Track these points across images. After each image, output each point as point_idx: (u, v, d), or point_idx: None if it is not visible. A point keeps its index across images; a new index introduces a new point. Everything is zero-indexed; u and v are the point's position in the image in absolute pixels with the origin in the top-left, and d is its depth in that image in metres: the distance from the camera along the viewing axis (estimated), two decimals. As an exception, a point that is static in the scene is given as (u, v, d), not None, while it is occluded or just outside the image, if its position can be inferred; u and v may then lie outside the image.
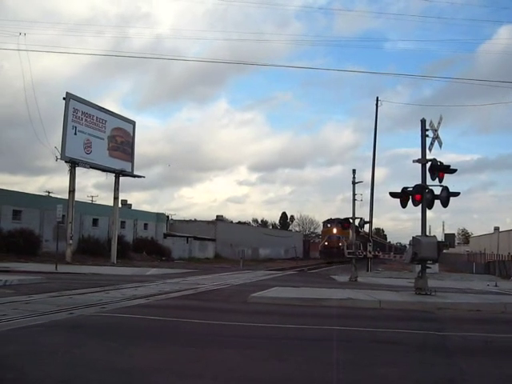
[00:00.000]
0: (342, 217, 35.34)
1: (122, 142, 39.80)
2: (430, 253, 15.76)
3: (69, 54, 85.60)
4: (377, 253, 35.02)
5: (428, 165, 15.99)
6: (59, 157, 32.86)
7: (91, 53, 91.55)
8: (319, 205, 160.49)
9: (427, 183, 16.05)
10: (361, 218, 26.50)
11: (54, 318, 9.73)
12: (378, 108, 36.51)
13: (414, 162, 16.38)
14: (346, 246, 43.39)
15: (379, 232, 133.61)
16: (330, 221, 66.13)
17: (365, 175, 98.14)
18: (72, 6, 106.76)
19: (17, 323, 8.90)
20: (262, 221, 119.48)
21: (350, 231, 40.79)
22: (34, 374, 5.89)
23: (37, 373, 5.91)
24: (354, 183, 26.04)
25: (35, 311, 10.35)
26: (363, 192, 28.52)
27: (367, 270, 33.06)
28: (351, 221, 25.85)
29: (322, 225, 76.39)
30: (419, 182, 16.15)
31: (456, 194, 16.14)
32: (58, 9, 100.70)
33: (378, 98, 36.52)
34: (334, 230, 61.21)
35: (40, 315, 9.89)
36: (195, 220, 68.05)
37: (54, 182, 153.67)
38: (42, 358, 6.58)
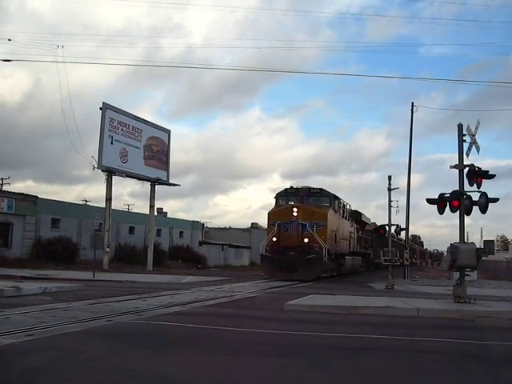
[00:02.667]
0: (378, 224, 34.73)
1: (157, 150, 40.18)
2: (468, 260, 15.46)
3: (104, 65, 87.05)
4: (414, 260, 34.63)
5: (466, 170, 15.72)
6: (96, 166, 33.34)
7: (126, 63, 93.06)
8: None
9: (464, 189, 15.78)
10: (397, 225, 26.17)
11: (91, 325, 9.85)
12: (413, 114, 35.99)
13: (451, 167, 16.12)
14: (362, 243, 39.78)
15: (415, 239, 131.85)
16: (287, 192, 30.98)
17: (399, 181, 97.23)
18: (107, 18, 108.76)
19: (55, 330, 9.03)
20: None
21: (349, 222, 36.14)
22: (73, 380, 5.96)
23: (75, 379, 5.98)
24: (389, 190, 25.75)
25: (73, 318, 10.49)
26: (398, 198, 28.16)
27: (404, 278, 32.55)
28: (387, 228, 25.54)
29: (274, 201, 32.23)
30: (456, 187, 15.88)
31: (495, 200, 15.83)
32: (94, 22, 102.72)
33: (413, 103, 35.99)
34: (295, 212, 28.43)
35: (78, 322, 10.03)
36: (230, 228, 68.20)
37: (90, 191, 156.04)
38: (80, 364, 6.66)
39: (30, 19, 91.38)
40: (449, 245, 16.29)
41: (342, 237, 33.20)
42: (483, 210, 15.56)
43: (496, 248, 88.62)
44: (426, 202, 16.65)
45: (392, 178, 25.85)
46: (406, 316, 13.07)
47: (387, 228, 25.62)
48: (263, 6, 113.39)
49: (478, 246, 16.37)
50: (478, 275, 32.59)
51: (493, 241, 25.62)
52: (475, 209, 15.67)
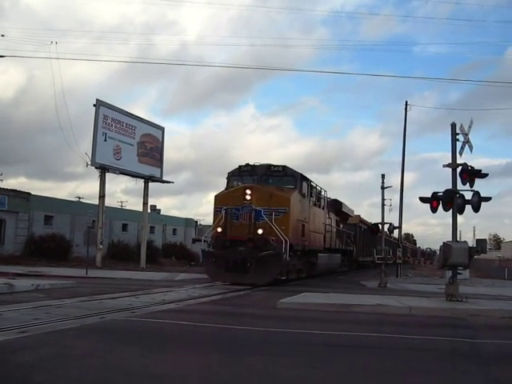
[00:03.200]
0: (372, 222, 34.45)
1: (151, 147, 40.07)
2: (461, 258, 15.53)
3: (98, 61, 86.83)
4: (407, 258, 34.57)
5: (459, 169, 15.77)
6: (89, 163, 33.21)
7: (120, 60, 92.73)
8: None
9: (457, 188, 15.84)
10: (390, 224, 26.22)
11: (85, 322, 9.84)
12: (407, 112, 36.06)
13: (444, 166, 16.17)
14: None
15: (409, 237, 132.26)
16: (241, 170, 24.15)
17: (392, 180, 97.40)
18: (101, 14, 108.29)
19: (49, 327, 9.02)
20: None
21: (325, 212, 28.94)
22: (66, 377, 5.96)
23: (68, 376, 5.98)
24: (382, 188, 25.80)
25: (67, 315, 10.48)
26: (392, 197, 28.20)
27: (397, 276, 32.65)
28: (380, 226, 25.60)
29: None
30: (449, 186, 15.94)
31: (487, 199, 15.89)
32: (88, 18, 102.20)
33: (406, 102, 36.04)
34: (248, 194, 21.76)
35: (72, 319, 10.02)
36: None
37: (83, 188, 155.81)
38: (73, 361, 6.66)
39: (24, 15, 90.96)
40: (441, 243, 16.35)
41: (314, 229, 26.22)
42: (476, 209, 15.62)
43: (488, 247, 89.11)
44: (419, 200, 16.71)
45: (385, 176, 25.87)
46: (398, 314, 13.11)
47: (380, 226, 25.67)
48: (257, 3, 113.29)
49: (470, 245, 16.44)
50: (471, 274, 32.76)
51: (485, 239, 25.77)
52: (468, 208, 15.73)
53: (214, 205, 22.83)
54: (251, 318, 11.73)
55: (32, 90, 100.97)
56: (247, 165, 23.76)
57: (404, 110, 36.08)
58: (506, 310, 14.01)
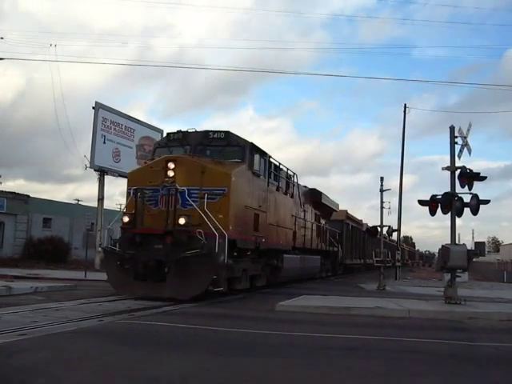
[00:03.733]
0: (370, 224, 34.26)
1: (150, 150, 40.06)
2: (459, 261, 15.54)
3: (97, 64, 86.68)
4: (406, 261, 34.43)
5: (457, 172, 15.80)
6: (88, 165, 33.23)
7: (118, 63, 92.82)
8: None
9: (456, 191, 15.86)
10: (389, 226, 26.24)
11: (83, 324, 9.83)
12: (406, 115, 36.13)
13: (443, 169, 16.20)
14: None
15: (407, 240, 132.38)
16: (170, 138, 17.71)
17: (391, 183, 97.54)
18: (101, 18, 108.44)
19: (47, 330, 9.01)
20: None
21: (295, 201, 23.16)
22: (64, 380, 5.96)
23: (67, 379, 5.98)
24: (381, 191, 25.83)
25: (65, 318, 10.47)
26: (390, 199, 28.16)
27: (395, 279, 32.66)
28: (379, 229, 25.61)
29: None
30: (447, 189, 15.96)
31: (486, 202, 15.92)
32: (88, 21, 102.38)
33: (405, 105, 36.18)
34: (170, 169, 15.23)
35: (70, 322, 10.01)
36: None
37: (82, 190, 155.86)
38: (72, 364, 6.66)
39: (23, 18, 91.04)
40: (440, 246, 16.36)
41: (277, 222, 20.05)
42: (474, 212, 15.63)
43: (487, 249, 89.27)
44: (417, 203, 16.73)
45: (384, 179, 25.85)
46: (397, 317, 13.12)
47: (379, 229, 25.68)
48: (256, 6, 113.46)
49: (469, 248, 16.47)
50: (469, 276, 32.75)
51: (484, 242, 25.73)
52: (467, 210, 15.75)
53: (127, 186, 16.56)
54: (248, 321, 11.65)
55: (31, 93, 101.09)
56: (178, 132, 17.40)
57: (403, 113, 36.23)
58: (505, 312, 14.04)
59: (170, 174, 15.12)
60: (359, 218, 43.53)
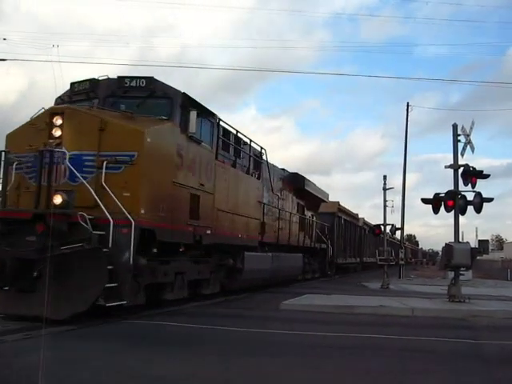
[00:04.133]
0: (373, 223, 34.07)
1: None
2: (463, 259, 15.52)
3: (99, 64, 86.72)
4: (409, 259, 34.38)
5: (460, 170, 15.77)
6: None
7: (121, 63, 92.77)
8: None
9: (459, 189, 15.84)
10: (392, 225, 26.21)
11: (88, 324, 9.82)
12: (409, 113, 36.05)
13: (446, 167, 16.19)
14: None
15: (411, 238, 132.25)
16: (74, 89, 12.22)
17: (394, 181, 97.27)
18: (103, 18, 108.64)
19: (52, 330, 8.99)
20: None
21: (264, 184, 18.44)
22: (68, 380, 5.96)
23: (70, 379, 5.98)
24: (384, 189, 25.81)
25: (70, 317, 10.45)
26: (393, 198, 28.11)
27: (399, 277, 32.59)
28: (383, 227, 25.59)
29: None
30: (450, 187, 15.95)
31: (489, 200, 15.89)
32: (90, 21, 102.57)
33: (408, 103, 36.09)
34: (56, 126, 10.37)
35: (74, 321, 10.00)
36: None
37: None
38: (74, 364, 6.65)
39: (26, 19, 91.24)
40: (444, 244, 16.35)
41: (234, 209, 15.35)
42: (478, 210, 15.61)
43: (491, 247, 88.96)
44: (421, 201, 16.72)
45: (387, 177, 25.80)
46: (400, 315, 13.10)
47: (383, 228, 25.67)
48: (258, 6, 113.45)
49: (472, 246, 16.45)
50: (473, 274, 32.70)
51: (487, 240, 25.72)
52: (470, 208, 15.73)
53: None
54: (252, 320, 11.63)
55: (33, 93, 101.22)
56: (84, 81, 12.33)
57: (405, 111, 36.16)
58: (509, 310, 14.01)
59: (56, 132, 10.52)
60: (361, 216, 41.42)
